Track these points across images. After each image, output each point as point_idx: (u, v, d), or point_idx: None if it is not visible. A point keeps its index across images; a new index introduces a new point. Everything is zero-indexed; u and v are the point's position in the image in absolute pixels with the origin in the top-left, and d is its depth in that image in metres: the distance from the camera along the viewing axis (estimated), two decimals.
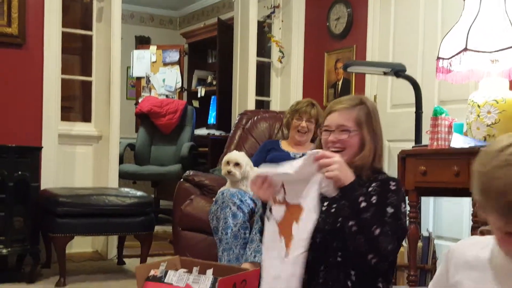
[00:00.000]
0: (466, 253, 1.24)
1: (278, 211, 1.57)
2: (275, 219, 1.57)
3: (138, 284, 1.52)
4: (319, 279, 1.54)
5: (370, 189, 1.58)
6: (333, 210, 1.58)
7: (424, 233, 2.78)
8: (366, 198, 1.49)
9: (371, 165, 1.62)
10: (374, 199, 1.53)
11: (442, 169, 2.47)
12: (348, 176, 1.49)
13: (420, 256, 2.63)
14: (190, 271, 1.52)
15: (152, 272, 1.53)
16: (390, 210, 1.50)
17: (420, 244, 2.65)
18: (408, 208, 2.39)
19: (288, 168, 1.56)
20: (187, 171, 3.34)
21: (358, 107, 1.66)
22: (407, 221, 2.01)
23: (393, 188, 1.57)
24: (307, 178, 1.53)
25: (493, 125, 2.53)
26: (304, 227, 1.49)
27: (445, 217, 3.34)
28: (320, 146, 1.71)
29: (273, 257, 1.54)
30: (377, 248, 1.45)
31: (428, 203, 3.36)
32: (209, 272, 1.48)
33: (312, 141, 3.16)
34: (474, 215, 2.36)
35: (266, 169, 1.61)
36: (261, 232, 1.67)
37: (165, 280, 1.51)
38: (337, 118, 1.65)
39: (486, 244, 1.21)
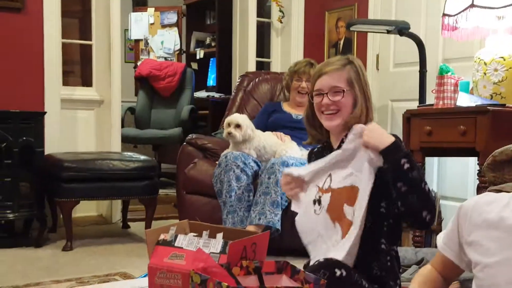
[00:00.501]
0: (485, 212, 1.21)
1: (325, 199, 1.58)
2: (324, 207, 1.58)
3: (149, 248, 1.53)
4: None
5: None
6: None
7: None
8: (408, 159, 1.48)
9: (365, 123, 1.60)
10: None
11: (448, 129, 2.47)
12: (383, 140, 1.49)
13: None
14: (199, 235, 1.52)
15: (162, 236, 1.54)
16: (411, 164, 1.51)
17: None
18: None
19: (334, 154, 1.58)
20: (189, 135, 3.33)
21: (348, 66, 1.65)
22: None
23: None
24: (352, 156, 1.54)
25: (500, 83, 2.51)
26: (359, 206, 1.50)
27: (450, 177, 3.35)
28: (310, 112, 1.70)
29: (329, 246, 1.55)
30: (429, 203, 1.48)
31: (432, 163, 3.36)
32: (219, 236, 1.49)
33: None
34: (480, 174, 2.36)
35: (309, 167, 1.64)
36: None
37: (175, 244, 1.51)
38: (328, 80, 1.63)
39: (506, 203, 1.19)
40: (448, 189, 3.32)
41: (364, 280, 1.47)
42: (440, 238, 1.38)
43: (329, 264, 1.40)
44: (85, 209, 3.87)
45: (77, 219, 3.65)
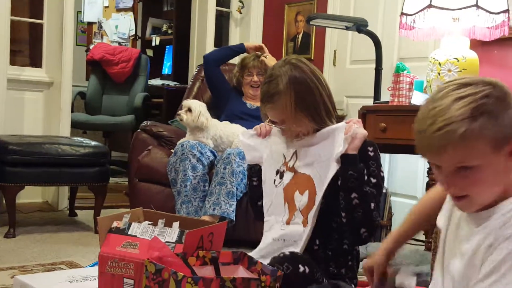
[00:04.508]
0: None
1: (287, 177, 1.61)
2: (283, 184, 1.61)
3: (101, 235, 1.47)
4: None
5: None
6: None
7: None
8: (367, 171, 1.49)
9: (325, 119, 1.56)
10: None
11: (402, 126, 2.51)
12: (357, 148, 1.50)
13: None
14: (155, 224, 1.48)
15: (115, 224, 1.49)
16: (373, 180, 1.52)
17: None
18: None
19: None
20: (144, 122, 3.27)
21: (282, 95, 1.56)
22: None
23: (371, 154, 1.55)
24: (327, 153, 1.53)
25: None
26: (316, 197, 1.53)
27: (400, 174, 3.42)
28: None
29: (277, 221, 1.60)
30: (370, 222, 1.48)
31: (384, 160, 3.43)
32: (175, 225, 1.45)
33: None
34: (429, 172, 2.42)
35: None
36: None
37: (129, 232, 1.47)
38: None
39: None
40: (398, 186, 3.39)
41: (325, 278, 1.47)
42: None
43: (294, 258, 1.39)
44: (30, 195, 3.73)
45: (21, 205, 3.49)
